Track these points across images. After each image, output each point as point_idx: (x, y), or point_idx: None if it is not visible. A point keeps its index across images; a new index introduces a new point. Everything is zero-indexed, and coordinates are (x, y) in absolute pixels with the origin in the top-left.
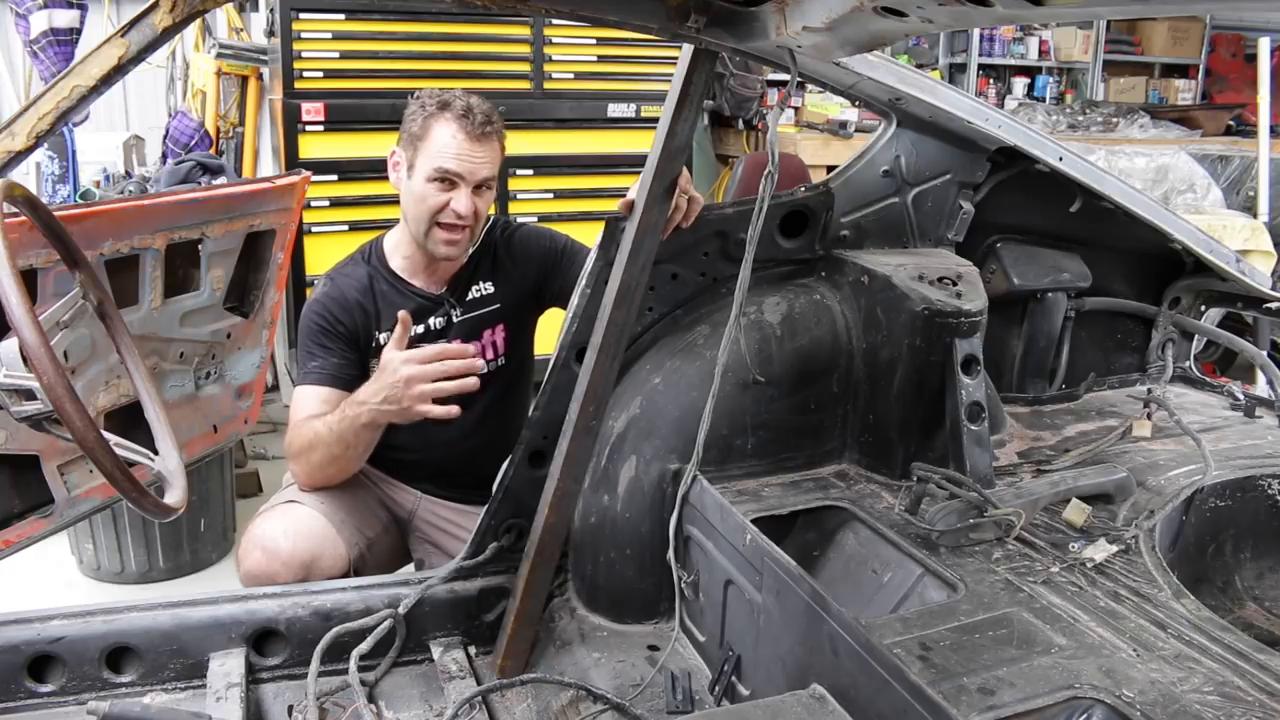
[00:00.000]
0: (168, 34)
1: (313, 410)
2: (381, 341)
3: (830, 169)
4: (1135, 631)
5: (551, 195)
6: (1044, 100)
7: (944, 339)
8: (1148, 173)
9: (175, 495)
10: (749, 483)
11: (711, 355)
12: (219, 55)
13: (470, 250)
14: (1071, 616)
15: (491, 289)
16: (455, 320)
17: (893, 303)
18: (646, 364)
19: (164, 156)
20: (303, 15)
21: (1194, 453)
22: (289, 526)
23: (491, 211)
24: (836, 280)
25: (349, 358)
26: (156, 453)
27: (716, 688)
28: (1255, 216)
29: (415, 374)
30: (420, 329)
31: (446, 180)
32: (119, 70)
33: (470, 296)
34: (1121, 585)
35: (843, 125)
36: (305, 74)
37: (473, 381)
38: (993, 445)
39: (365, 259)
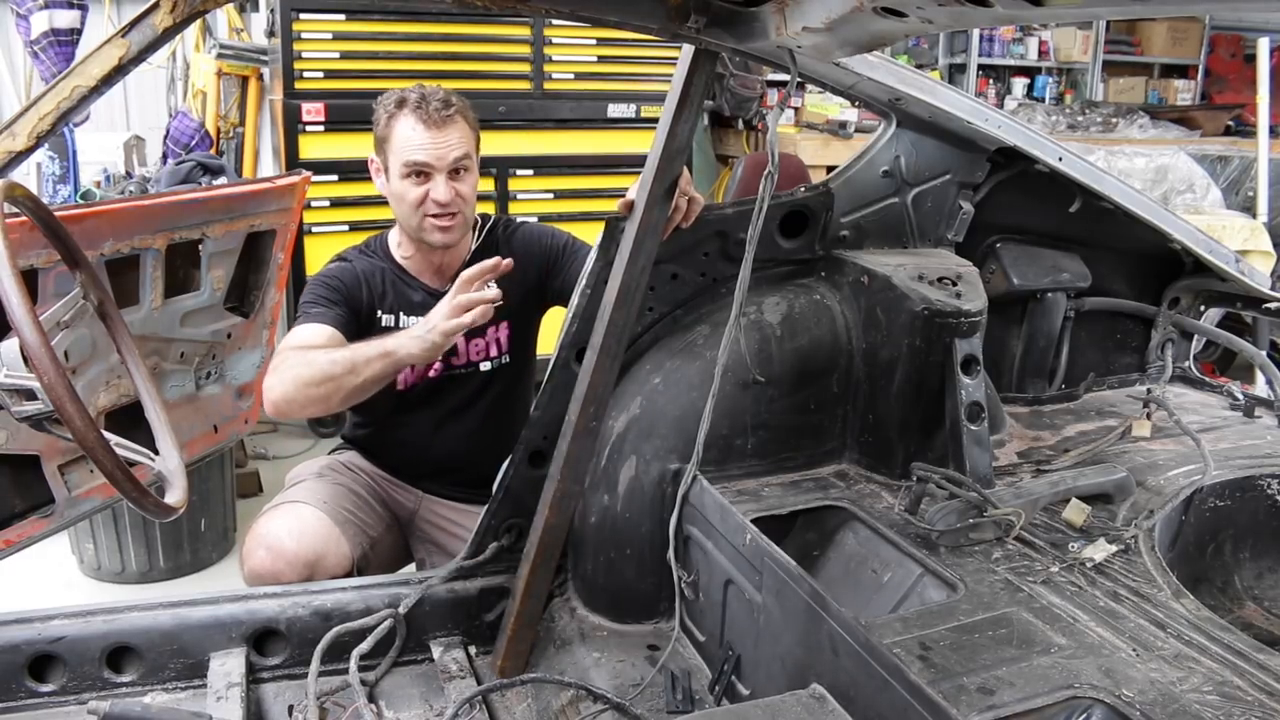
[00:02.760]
0: (168, 34)
1: (311, 342)
2: (383, 323)
3: (830, 169)
4: (1135, 631)
5: (551, 195)
6: (1044, 100)
7: (944, 339)
8: (1147, 173)
9: (175, 495)
10: (749, 483)
11: (711, 355)
12: (219, 55)
13: (473, 245)
14: (1071, 616)
15: (494, 287)
16: None
17: (893, 303)
18: (646, 364)
19: (164, 157)
20: (303, 15)
21: (1194, 453)
22: (294, 526)
23: (492, 211)
24: (836, 280)
25: (350, 320)
26: (157, 453)
27: (716, 688)
28: (1255, 216)
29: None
30: None
31: (419, 173)
32: (119, 71)
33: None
34: (1121, 585)
35: (843, 125)
36: (305, 74)
37: (495, 293)
38: (993, 445)
39: (370, 253)
